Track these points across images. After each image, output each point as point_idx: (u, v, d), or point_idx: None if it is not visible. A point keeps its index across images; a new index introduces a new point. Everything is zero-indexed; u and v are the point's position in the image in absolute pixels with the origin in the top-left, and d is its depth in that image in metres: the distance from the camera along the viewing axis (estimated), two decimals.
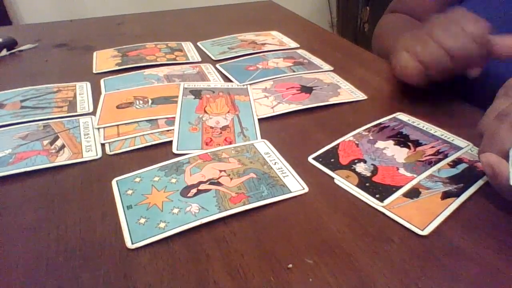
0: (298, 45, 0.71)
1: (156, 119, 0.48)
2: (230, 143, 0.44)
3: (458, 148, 0.41)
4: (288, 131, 0.46)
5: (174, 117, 0.48)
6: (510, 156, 0.31)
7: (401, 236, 0.31)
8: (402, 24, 0.70)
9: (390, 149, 0.41)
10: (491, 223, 0.32)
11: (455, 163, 0.39)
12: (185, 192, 0.36)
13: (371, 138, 0.43)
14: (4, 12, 1.81)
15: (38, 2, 1.87)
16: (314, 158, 0.41)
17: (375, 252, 0.30)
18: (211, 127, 0.46)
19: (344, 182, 0.37)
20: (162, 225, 0.32)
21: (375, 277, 0.28)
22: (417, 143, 0.42)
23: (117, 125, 0.47)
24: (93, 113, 0.50)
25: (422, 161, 0.39)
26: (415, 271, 0.29)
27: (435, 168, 0.38)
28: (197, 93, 0.53)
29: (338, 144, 0.43)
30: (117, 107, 0.51)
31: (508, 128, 0.32)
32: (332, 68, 0.61)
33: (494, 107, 0.37)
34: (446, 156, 0.40)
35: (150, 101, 0.52)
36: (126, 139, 0.44)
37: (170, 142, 0.44)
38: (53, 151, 0.42)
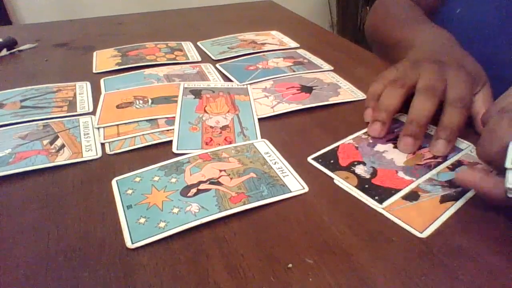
0: (298, 45, 0.71)
1: (156, 119, 0.48)
2: (230, 142, 0.44)
3: (458, 150, 0.41)
4: (288, 131, 0.46)
5: (174, 117, 0.48)
6: (508, 155, 0.30)
7: (401, 237, 0.31)
8: (404, 10, 0.65)
9: (389, 152, 0.41)
10: (491, 226, 0.32)
11: (455, 166, 0.39)
12: (185, 191, 0.36)
13: (370, 141, 0.43)
14: (4, 12, 1.81)
15: (38, 1, 1.87)
16: (314, 159, 0.41)
17: (375, 252, 0.30)
18: (211, 127, 0.46)
19: (343, 182, 0.37)
20: (162, 224, 0.32)
21: (375, 277, 0.28)
22: None
23: (117, 125, 0.47)
24: (93, 112, 0.50)
25: (421, 164, 0.39)
26: (415, 271, 0.29)
27: (434, 171, 0.38)
28: (197, 93, 0.53)
29: (337, 147, 0.43)
30: (117, 106, 0.51)
31: (508, 125, 0.31)
32: (332, 68, 0.61)
33: (500, 100, 0.35)
34: (445, 159, 0.40)
35: (150, 101, 0.52)
36: (126, 138, 0.44)
37: (170, 142, 0.44)
38: (53, 150, 0.42)
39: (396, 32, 0.61)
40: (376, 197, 0.35)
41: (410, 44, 0.53)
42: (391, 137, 0.43)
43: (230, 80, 0.58)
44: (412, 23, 0.59)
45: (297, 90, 0.54)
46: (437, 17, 0.63)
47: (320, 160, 0.40)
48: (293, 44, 0.72)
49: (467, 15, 0.51)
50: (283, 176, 0.38)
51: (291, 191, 0.36)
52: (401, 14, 0.64)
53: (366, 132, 0.45)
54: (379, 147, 0.42)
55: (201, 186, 0.37)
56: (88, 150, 0.43)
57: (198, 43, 0.73)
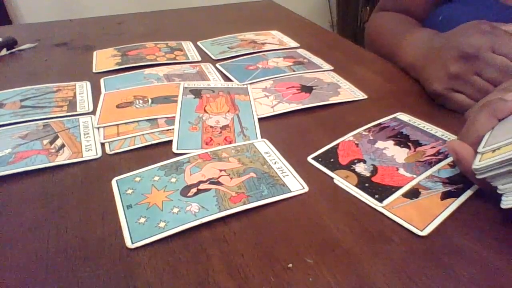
0: (298, 45, 0.71)
1: (156, 119, 0.48)
2: (230, 142, 0.44)
3: None
4: (288, 130, 0.46)
5: (174, 117, 0.48)
6: (481, 142, 0.33)
7: (401, 236, 0.31)
8: (399, 24, 0.69)
9: (390, 149, 0.41)
10: (491, 223, 0.32)
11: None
12: (185, 191, 0.36)
13: (371, 138, 0.43)
14: (4, 12, 1.81)
15: (38, 1, 1.87)
16: (314, 158, 0.41)
17: (375, 252, 0.30)
18: (211, 127, 0.46)
19: (343, 182, 0.37)
20: (162, 224, 0.32)
21: (375, 277, 0.28)
22: (417, 143, 0.42)
23: (117, 125, 0.47)
24: (93, 112, 0.50)
25: (422, 161, 0.39)
26: (415, 271, 0.28)
27: (435, 168, 0.38)
28: (197, 93, 0.53)
29: (338, 144, 0.43)
30: (117, 106, 0.51)
31: (486, 116, 0.34)
32: (332, 68, 0.61)
33: (485, 98, 0.37)
34: (446, 156, 0.40)
35: (150, 101, 0.51)
36: (126, 138, 0.44)
37: (170, 142, 0.44)
38: (53, 150, 0.42)
39: (390, 44, 0.64)
40: (376, 196, 0.35)
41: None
42: (392, 134, 0.43)
43: (230, 80, 0.58)
44: (404, 34, 0.62)
45: (297, 89, 0.54)
46: (423, 25, 0.66)
47: (320, 159, 0.40)
48: (293, 43, 0.72)
49: (448, 24, 0.53)
50: (283, 176, 0.38)
51: (291, 191, 0.36)
52: (394, 26, 0.68)
53: (366, 129, 0.45)
54: (380, 144, 0.42)
55: (201, 186, 0.37)
56: (88, 150, 0.43)
57: (198, 43, 0.73)
